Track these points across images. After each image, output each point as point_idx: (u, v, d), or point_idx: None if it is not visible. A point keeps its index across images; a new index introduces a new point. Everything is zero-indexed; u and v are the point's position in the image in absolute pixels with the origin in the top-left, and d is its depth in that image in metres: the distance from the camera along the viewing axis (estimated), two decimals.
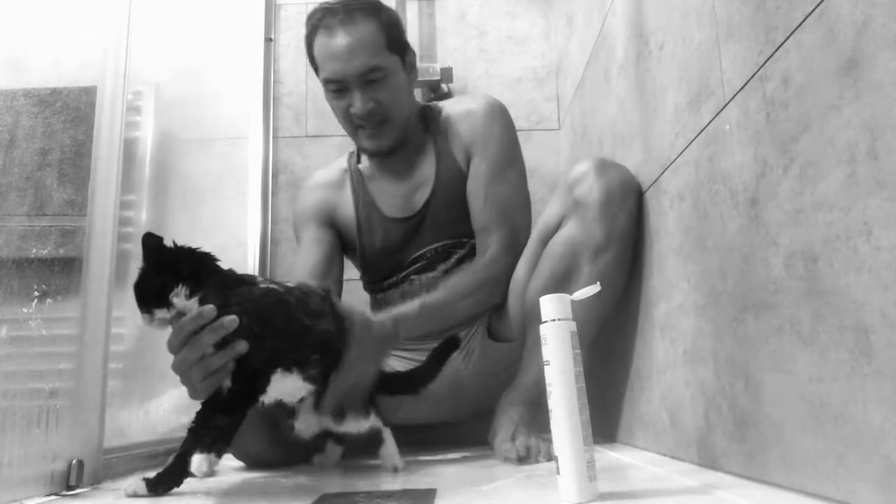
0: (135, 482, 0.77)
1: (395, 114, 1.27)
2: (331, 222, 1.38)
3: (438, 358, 1.09)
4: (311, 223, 1.38)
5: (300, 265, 1.35)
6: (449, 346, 1.10)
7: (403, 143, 1.32)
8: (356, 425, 0.96)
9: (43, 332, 0.85)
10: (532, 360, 1.13)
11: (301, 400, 0.91)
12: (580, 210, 1.06)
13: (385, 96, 1.24)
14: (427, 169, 1.32)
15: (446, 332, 1.31)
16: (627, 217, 1.04)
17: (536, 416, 1.13)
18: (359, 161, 1.40)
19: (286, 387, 0.85)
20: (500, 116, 1.31)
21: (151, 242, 0.81)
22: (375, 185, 1.36)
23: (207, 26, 1.65)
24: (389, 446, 0.99)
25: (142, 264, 0.81)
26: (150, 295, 0.80)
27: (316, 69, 1.29)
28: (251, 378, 0.81)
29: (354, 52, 1.21)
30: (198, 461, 0.75)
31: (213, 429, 0.78)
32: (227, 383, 0.80)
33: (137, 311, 0.81)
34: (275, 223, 1.85)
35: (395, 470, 0.97)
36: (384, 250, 1.34)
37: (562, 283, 1.06)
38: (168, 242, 0.83)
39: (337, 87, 1.25)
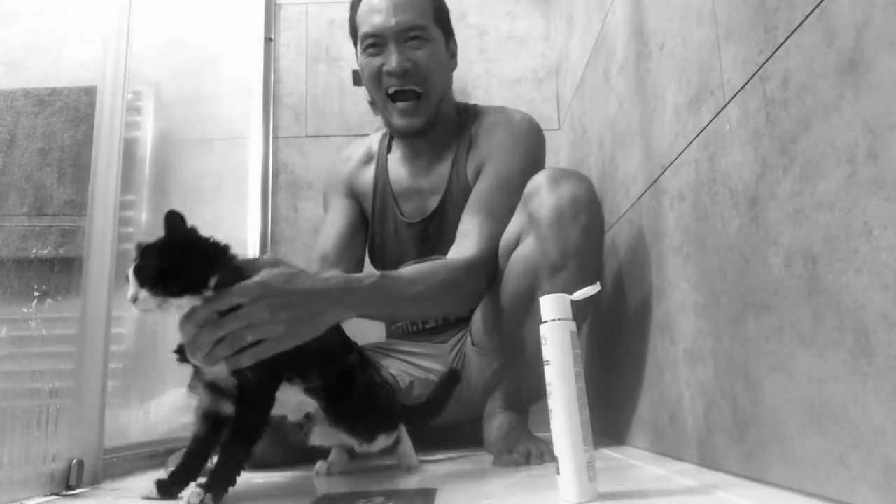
0: (147, 486, 0.76)
1: (429, 84, 1.22)
2: (354, 196, 1.38)
3: (442, 393, 1.09)
4: (338, 194, 1.38)
5: (323, 233, 1.35)
6: (451, 380, 1.11)
7: (433, 128, 1.27)
8: (385, 441, 0.96)
9: (43, 332, 0.85)
10: (511, 369, 1.14)
11: (307, 416, 0.89)
12: (534, 227, 1.03)
13: (423, 58, 1.21)
14: (443, 174, 1.29)
15: (399, 317, 1.32)
16: (581, 233, 1.00)
17: (524, 419, 1.14)
18: (389, 149, 1.36)
19: (288, 399, 0.82)
20: (523, 135, 1.24)
21: (180, 223, 0.72)
22: (396, 178, 1.33)
23: (207, 26, 1.65)
24: (406, 445, 1.00)
25: (163, 244, 0.71)
26: (177, 283, 0.71)
27: (354, 35, 1.26)
28: (257, 400, 0.77)
29: (399, 8, 1.19)
30: (193, 494, 0.70)
31: (212, 474, 0.73)
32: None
33: (141, 291, 0.70)
34: (275, 223, 1.85)
35: (410, 469, 0.98)
36: (391, 243, 1.34)
37: (525, 300, 1.06)
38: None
39: (373, 42, 1.21)
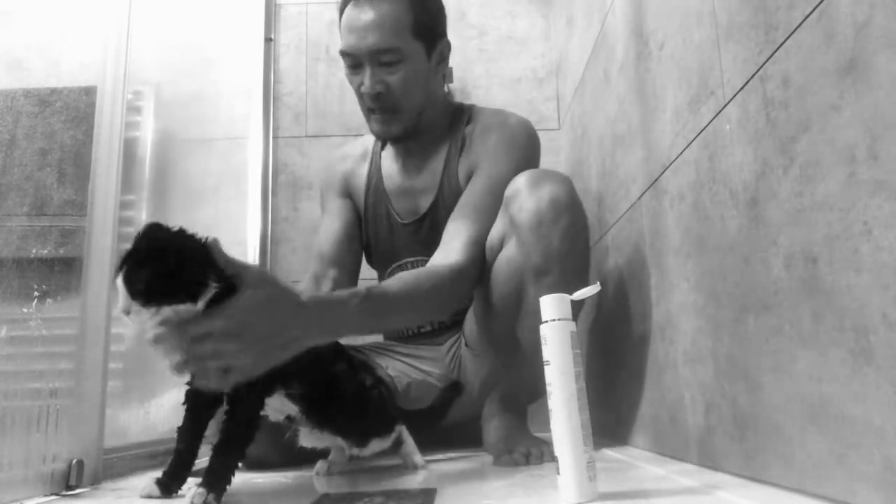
0: (148, 485, 0.77)
1: (404, 102, 1.21)
2: (349, 195, 1.38)
3: (443, 403, 1.11)
4: (334, 194, 1.38)
5: (321, 234, 1.35)
6: (453, 391, 1.12)
7: (415, 134, 1.26)
8: (380, 444, 0.96)
9: (43, 332, 0.85)
10: (506, 371, 1.14)
11: (289, 418, 0.89)
12: (516, 230, 1.02)
13: (396, 81, 1.19)
14: (435, 175, 1.29)
15: (384, 331, 1.32)
16: (563, 236, 0.99)
17: (523, 419, 1.14)
18: (383, 147, 1.36)
19: (269, 401, 0.82)
20: (518, 139, 1.22)
21: (163, 231, 0.70)
22: (389, 177, 1.33)
23: (207, 26, 1.65)
24: (409, 445, 1.00)
25: (151, 250, 0.69)
26: (170, 292, 0.68)
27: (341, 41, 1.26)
28: (246, 404, 0.77)
29: (372, 28, 1.18)
30: (197, 495, 0.70)
31: (207, 474, 0.73)
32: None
33: (133, 304, 0.68)
34: (275, 223, 1.85)
35: (416, 468, 0.98)
36: (384, 242, 1.34)
37: (513, 303, 1.05)
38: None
39: (351, 63, 1.22)
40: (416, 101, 1.23)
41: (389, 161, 1.34)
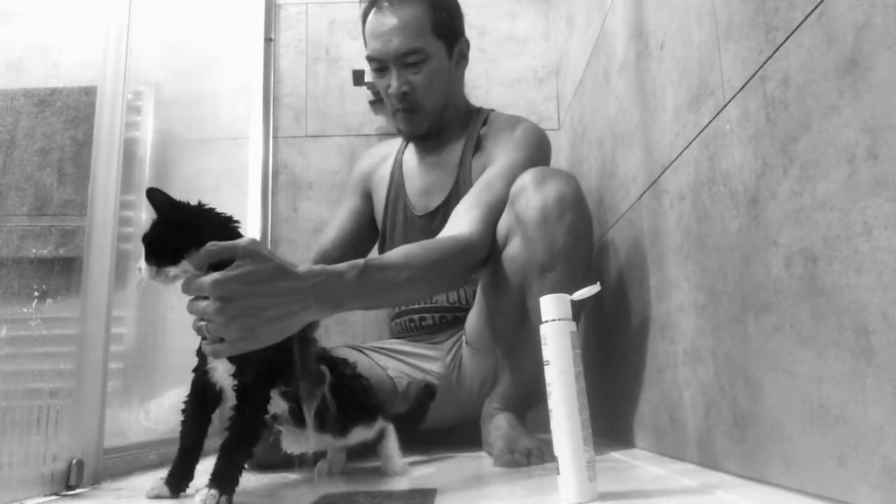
0: (157, 485, 0.77)
1: (428, 99, 1.29)
2: (368, 194, 1.46)
3: (419, 406, 1.12)
4: (355, 192, 1.48)
5: (330, 227, 1.45)
6: (426, 396, 1.14)
7: (439, 130, 1.34)
8: (363, 433, 0.94)
9: (43, 332, 0.85)
10: (507, 369, 1.14)
11: (274, 416, 0.87)
12: (521, 227, 1.03)
13: (421, 80, 1.27)
14: (451, 171, 1.34)
15: (390, 305, 1.34)
16: (568, 233, 1.00)
17: (523, 418, 1.14)
18: (406, 145, 1.44)
19: None
20: (532, 137, 1.26)
21: (161, 198, 0.74)
22: (408, 172, 1.40)
23: (207, 26, 1.65)
24: (390, 448, 0.96)
25: (155, 217, 0.75)
26: (167, 252, 0.73)
27: (366, 47, 1.33)
28: (254, 400, 0.77)
29: (396, 32, 1.25)
30: (209, 497, 0.69)
31: (216, 474, 0.72)
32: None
33: (143, 263, 0.74)
34: (275, 223, 1.85)
35: (395, 475, 0.95)
36: (399, 234, 1.38)
37: (516, 300, 1.06)
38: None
39: (377, 66, 1.30)
40: (440, 98, 1.31)
41: (410, 157, 1.42)
